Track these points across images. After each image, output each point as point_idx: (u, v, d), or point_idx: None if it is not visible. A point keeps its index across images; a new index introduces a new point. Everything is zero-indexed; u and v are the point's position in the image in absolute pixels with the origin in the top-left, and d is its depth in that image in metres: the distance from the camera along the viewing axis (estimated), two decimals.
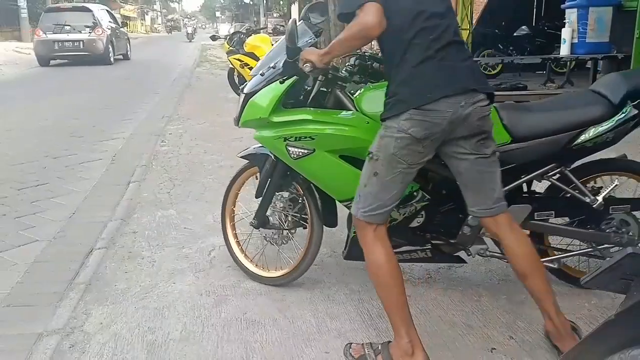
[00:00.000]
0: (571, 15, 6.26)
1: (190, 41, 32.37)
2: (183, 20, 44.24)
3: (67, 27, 15.39)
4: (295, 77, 2.37)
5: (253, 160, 2.76)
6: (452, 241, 2.47)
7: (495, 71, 9.65)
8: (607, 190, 2.37)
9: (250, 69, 8.18)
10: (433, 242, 2.51)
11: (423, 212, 2.41)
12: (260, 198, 2.70)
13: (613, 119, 2.24)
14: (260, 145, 2.66)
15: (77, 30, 15.42)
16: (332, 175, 2.41)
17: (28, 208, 3.93)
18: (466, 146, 1.97)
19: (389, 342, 2.08)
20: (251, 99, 2.52)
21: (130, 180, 4.45)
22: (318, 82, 2.42)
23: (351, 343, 2.16)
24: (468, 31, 9.58)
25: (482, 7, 11.10)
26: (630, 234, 2.43)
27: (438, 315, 2.44)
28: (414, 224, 2.44)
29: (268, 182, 2.66)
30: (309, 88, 2.51)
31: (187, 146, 5.69)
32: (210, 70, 14.09)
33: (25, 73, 13.96)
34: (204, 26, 64.79)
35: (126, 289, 2.69)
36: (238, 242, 2.90)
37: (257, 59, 7.97)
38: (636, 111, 2.24)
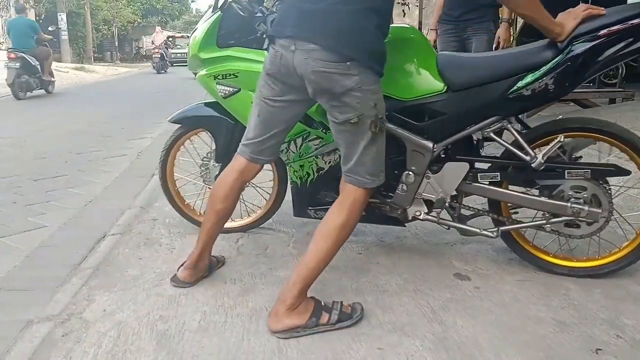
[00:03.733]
0: None
1: None
2: None
3: (178, 46, 25.43)
4: (219, 14, 2.34)
5: (195, 124, 2.65)
6: (388, 200, 2.24)
7: None
8: (549, 148, 2.04)
9: None
10: (369, 199, 2.21)
11: None
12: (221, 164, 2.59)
13: (552, 61, 1.92)
14: (194, 106, 2.65)
15: (184, 47, 24.01)
16: None
17: (42, 196, 3.59)
18: (324, 104, 1.79)
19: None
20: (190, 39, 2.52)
21: (154, 173, 4.08)
22: (262, 24, 2.33)
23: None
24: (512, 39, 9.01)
25: None
26: (594, 207, 2.06)
27: (518, 309, 1.95)
28: None
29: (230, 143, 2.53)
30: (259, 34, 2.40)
31: None
32: None
33: (61, 88, 14.02)
34: None
35: (139, 275, 2.28)
36: (188, 206, 2.86)
37: None
38: (579, 50, 1.87)
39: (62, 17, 23.43)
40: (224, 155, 2.57)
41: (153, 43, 22.36)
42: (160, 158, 2.74)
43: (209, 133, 2.66)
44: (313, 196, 2.43)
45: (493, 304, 2.00)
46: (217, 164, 2.61)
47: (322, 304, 1.89)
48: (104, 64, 27.45)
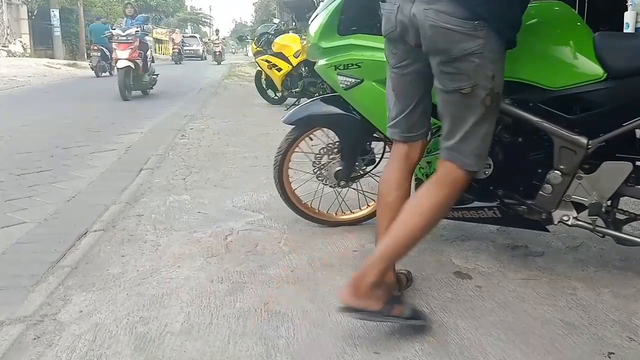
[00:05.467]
0: None
1: (218, 64, 25.72)
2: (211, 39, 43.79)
3: (187, 44, 31.75)
4: (340, 0, 2.21)
5: (315, 123, 2.49)
6: (528, 202, 2.00)
7: None
8: None
9: (279, 70, 7.65)
10: (505, 200, 2.03)
11: (490, 161, 1.99)
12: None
13: None
14: (310, 103, 2.53)
15: (192, 45, 32.95)
16: (382, 110, 2.02)
17: (23, 191, 3.44)
18: (434, 67, 1.59)
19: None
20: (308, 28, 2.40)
21: (142, 168, 3.95)
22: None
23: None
24: None
25: None
26: None
27: (523, 309, 1.84)
28: (481, 174, 2.00)
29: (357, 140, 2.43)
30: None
31: (208, 139, 5.20)
32: (239, 82, 13.71)
33: (52, 84, 13.82)
34: (234, 51, 64.86)
35: (120, 274, 2.15)
36: (312, 208, 2.69)
37: (285, 59, 7.46)
38: None
39: (55, 14, 23.15)
40: (351, 153, 2.45)
41: (173, 41, 29.13)
42: (275, 163, 2.56)
43: (333, 131, 2.49)
44: None
45: (496, 304, 1.88)
46: (339, 161, 2.48)
47: (395, 295, 1.75)
48: None
